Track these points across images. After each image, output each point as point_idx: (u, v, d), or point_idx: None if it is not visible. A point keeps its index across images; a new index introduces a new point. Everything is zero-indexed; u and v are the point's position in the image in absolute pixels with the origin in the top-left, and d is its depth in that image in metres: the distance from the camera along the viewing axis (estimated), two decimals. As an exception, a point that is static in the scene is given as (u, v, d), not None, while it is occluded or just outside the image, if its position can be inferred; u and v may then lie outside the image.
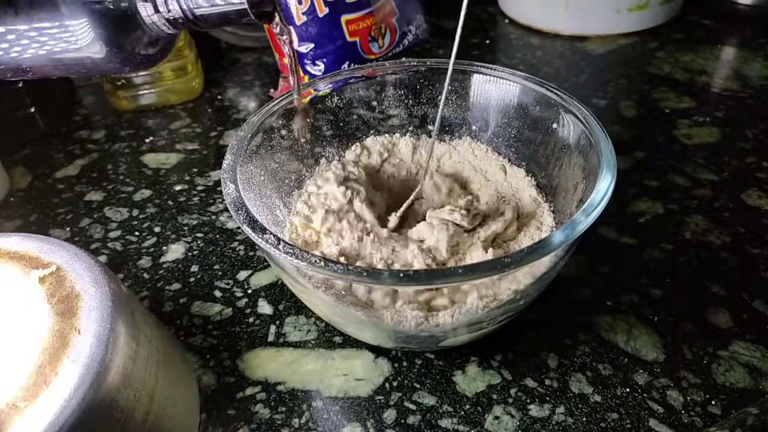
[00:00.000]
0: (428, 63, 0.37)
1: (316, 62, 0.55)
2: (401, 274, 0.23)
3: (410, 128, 0.39)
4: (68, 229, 0.42)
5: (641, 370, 0.30)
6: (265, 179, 0.33)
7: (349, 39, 0.56)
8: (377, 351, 0.32)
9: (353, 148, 0.38)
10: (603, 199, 0.26)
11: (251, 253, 0.39)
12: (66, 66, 0.27)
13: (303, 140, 0.34)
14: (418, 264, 0.31)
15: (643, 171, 0.44)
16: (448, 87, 0.30)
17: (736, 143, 0.46)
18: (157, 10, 0.26)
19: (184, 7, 0.26)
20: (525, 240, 0.34)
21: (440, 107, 0.31)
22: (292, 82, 0.33)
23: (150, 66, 0.30)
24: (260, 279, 0.37)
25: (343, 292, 0.28)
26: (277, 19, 0.29)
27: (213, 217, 0.43)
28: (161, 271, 0.38)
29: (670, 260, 0.36)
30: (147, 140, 0.52)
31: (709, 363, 0.30)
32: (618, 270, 0.36)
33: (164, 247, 0.40)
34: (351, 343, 0.32)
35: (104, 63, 0.27)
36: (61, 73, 0.28)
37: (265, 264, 0.38)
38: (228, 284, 0.37)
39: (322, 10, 0.53)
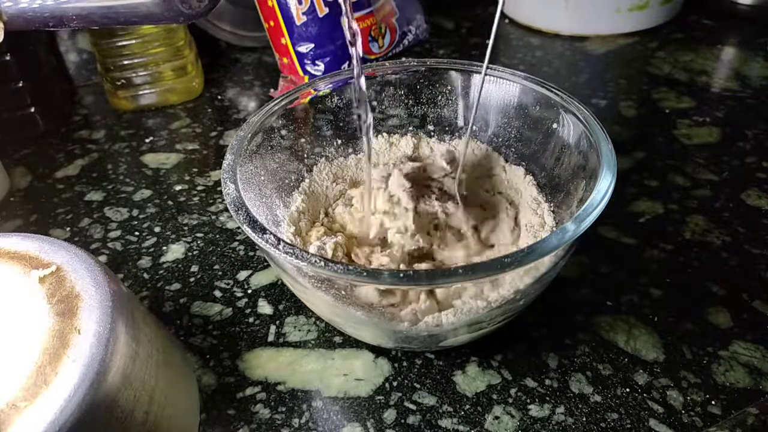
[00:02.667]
0: (428, 63, 0.37)
1: (316, 62, 0.55)
2: (401, 274, 0.23)
3: (410, 128, 0.39)
4: (68, 229, 0.42)
5: (641, 370, 0.30)
6: (265, 179, 0.33)
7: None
8: (377, 351, 0.32)
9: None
10: (603, 199, 0.26)
11: (251, 253, 0.39)
12: (117, 15, 0.26)
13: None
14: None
15: (643, 171, 0.44)
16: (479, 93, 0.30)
17: (736, 143, 0.46)
18: None
19: None
20: (525, 240, 0.34)
21: (472, 115, 0.30)
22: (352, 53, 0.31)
23: (203, 15, 0.29)
24: (260, 279, 0.37)
25: (343, 292, 0.28)
26: None
27: (213, 217, 0.43)
28: (161, 271, 0.38)
29: (670, 260, 0.36)
30: (147, 140, 0.52)
31: (709, 363, 0.30)
32: (618, 270, 0.36)
33: (164, 247, 0.40)
34: (351, 343, 0.32)
35: (159, 12, 0.26)
36: (108, 23, 0.27)
37: (265, 264, 0.38)
38: (228, 284, 0.37)
39: (322, 10, 0.53)
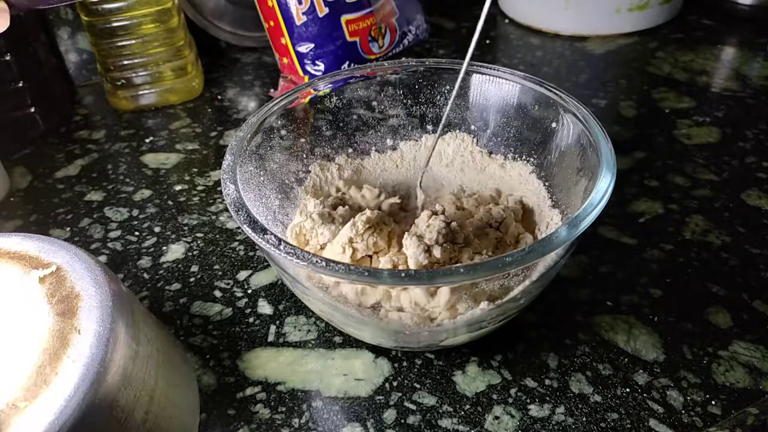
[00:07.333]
0: (428, 63, 0.37)
1: (316, 62, 0.55)
2: (402, 274, 0.23)
3: (409, 128, 0.39)
4: (68, 229, 0.42)
5: (641, 370, 0.30)
6: (265, 179, 0.33)
7: (349, 39, 0.56)
8: (377, 351, 0.32)
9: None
10: (603, 199, 0.26)
11: (251, 253, 0.39)
12: None
13: None
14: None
15: (643, 171, 0.44)
16: (457, 89, 0.30)
17: (736, 143, 0.46)
18: None
19: None
20: (526, 239, 0.34)
21: (447, 109, 0.31)
22: None
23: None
24: (260, 279, 0.37)
25: (342, 293, 0.28)
26: None
27: (213, 217, 0.43)
28: (161, 271, 0.38)
29: (670, 260, 0.36)
30: (147, 140, 0.52)
31: (709, 363, 0.30)
32: (618, 270, 0.36)
33: (164, 247, 0.40)
34: (351, 343, 0.32)
35: None
36: None
37: (265, 264, 0.38)
38: (228, 284, 0.37)
39: (322, 10, 0.53)
